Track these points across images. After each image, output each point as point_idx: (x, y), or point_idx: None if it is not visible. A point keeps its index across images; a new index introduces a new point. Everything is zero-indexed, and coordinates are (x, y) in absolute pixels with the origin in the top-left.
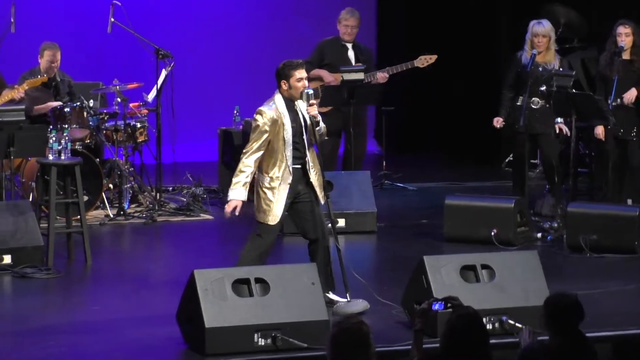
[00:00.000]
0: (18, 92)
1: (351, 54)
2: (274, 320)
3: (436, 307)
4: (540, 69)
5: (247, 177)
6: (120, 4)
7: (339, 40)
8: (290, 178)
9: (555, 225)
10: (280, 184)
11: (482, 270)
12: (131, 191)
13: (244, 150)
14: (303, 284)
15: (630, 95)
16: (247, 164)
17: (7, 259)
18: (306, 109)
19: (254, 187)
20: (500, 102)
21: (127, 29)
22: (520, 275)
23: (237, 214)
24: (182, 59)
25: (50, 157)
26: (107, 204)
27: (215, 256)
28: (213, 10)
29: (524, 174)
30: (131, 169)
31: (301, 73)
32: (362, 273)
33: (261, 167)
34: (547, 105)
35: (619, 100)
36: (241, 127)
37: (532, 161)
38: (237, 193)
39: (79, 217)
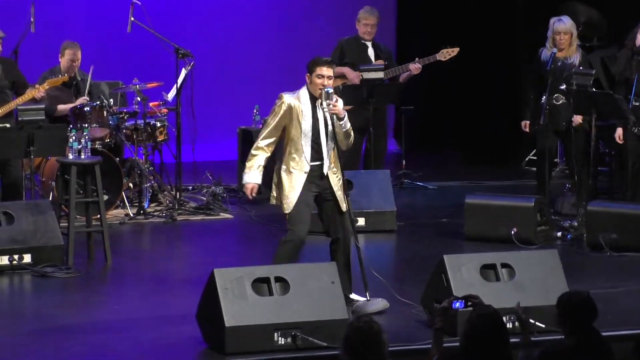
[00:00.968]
0: (39, 91)
1: (371, 52)
2: (294, 319)
3: (456, 305)
4: (560, 63)
5: (259, 160)
6: (140, 3)
7: (358, 39)
8: (308, 168)
9: (576, 224)
10: (296, 172)
11: (502, 269)
12: (151, 190)
13: (259, 134)
14: (323, 282)
15: None
16: (260, 146)
17: (27, 258)
18: (327, 108)
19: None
20: (524, 102)
21: (147, 28)
22: (540, 274)
23: (254, 194)
24: (202, 58)
25: (70, 156)
26: (127, 203)
27: (235, 255)
28: (233, 9)
29: (547, 172)
30: (151, 168)
31: (322, 70)
32: (382, 272)
33: (279, 156)
34: (568, 103)
35: (639, 99)
36: (261, 126)
37: (553, 160)
38: (251, 176)
39: (98, 216)
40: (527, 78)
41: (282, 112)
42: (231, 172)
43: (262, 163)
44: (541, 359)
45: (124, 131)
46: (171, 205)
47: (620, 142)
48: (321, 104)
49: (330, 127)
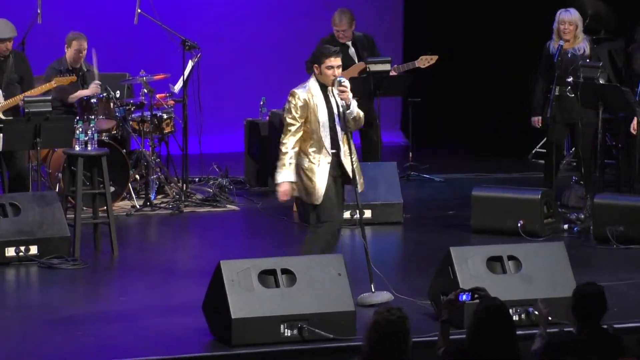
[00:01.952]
0: (51, 86)
1: (352, 51)
2: (300, 311)
3: (463, 298)
4: (569, 55)
5: (290, 158)
6: None
7: (336, 39)
8: (330, 158)
9: (582, 216)
10: (319, 164)
11: (509, 261)
12: (157, 182)
13: (282, 135)
14: (329, 274)
15: None
16: (288, 146)
17: (34, 249)
18: (337, 94)
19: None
20: (534, 96)
21: (153, 20)
22: (547, 267)
23: (288, 197)
24: (209, 50)
25: (77, 148)
26: (133, 195)
27: (242, 247)
28: (239, 1)
29: (554, 163)
30: (157, 160)
31: (331, 61)
32: (388, 264)
33: (300, 150)
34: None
35: None
36: (267, 118)
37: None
38: (284, 175)
39: (105, 207)
40: (539, 69)
41: (299, 107)
42: (238, 164)
43: (293, 161)
44: (550, 349)
45: (131, 123)
46: (178, 197)
47: (634, 132)
48: (332, 92)
49: (341, 109)
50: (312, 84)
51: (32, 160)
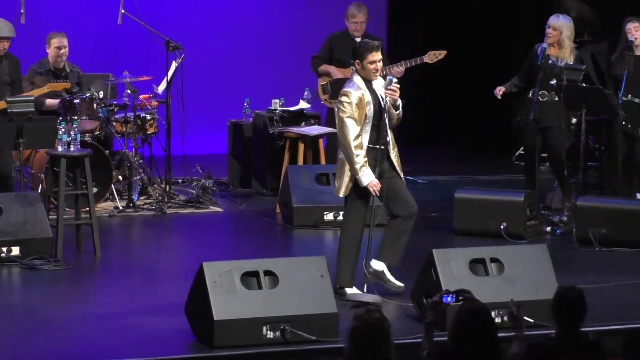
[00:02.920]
0: (42, 92)
1: None
2: (283, 313)
3: (447, 299)
4: (551, 61)
5: (362, 157)
6: None
7: (347, 35)
8: (365, 152)
9: (565, 218)
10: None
11: (491, 263)
12: (140, 183)
13: (343, 134)
14: (312, 276)
15: None
16: (355, 145)
17: (16, 250)
18: (386, 93)
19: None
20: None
21: (137, 21)
22: (529, 269)
23: (379, 192)
24: (193, 51)
25: (60, 148)
26: (116, 196)
27: (225, 248)
28: (224, 1)
29: (535, 167)
30: (140, 161)
31: (374, 56)
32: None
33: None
34: (557, 99)
35: (629, 95)
36: (251, 119)
37: (542, 155)
38: (369, 174)
39: (88, 208)
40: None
41: (355, 106)
42: (221, 165)
43: (361, 153)
44: (530, 352)
45: (114, 124)
46: (160, 198)
47: None
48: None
49: (388, 103)
50: (358, 80)
51: (14, 161)
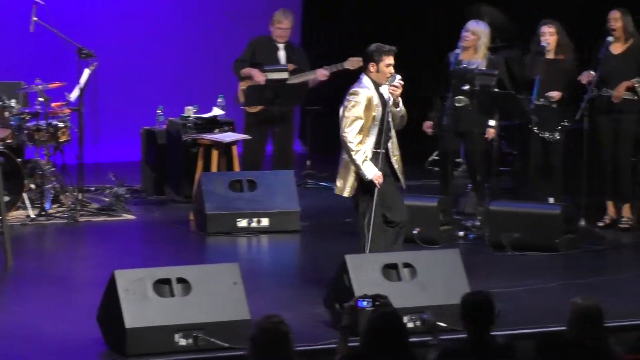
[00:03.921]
0: None
1: (282, 54)
2: (196, 320)
3: (363, 304)
4: (463, 66)
5: (364, 153)
6: (43, 2)
7: (271, 40)
8: (371, 155)
9: (478, 223)
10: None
11: (404, 268)
12: (53, 191)
13: (345, 132)
14: (225, 283)
15: (555, 94)
16: (356, 142)
17: None
18: (389, 90)
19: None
20: (433, 104)
21: (49, 28)
22: (442, 274)
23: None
24: (106, 58)
25: None
26: (28, 205)
27: (138, 256)
28: (137, 9)
29: (449, 172)
30: (53, 169)
31: (391, 59)
32: (286, 272)
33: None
34: (471, 104)
35: (541, 99)
36: (164, 126)
37: (456, 160)
38: (371, 167)
39: None
40: (437, 80)
41: (362, 105)
42: (134, 172)
43: (368, 155)
44: (443, 358)
45: (26, 132)
46: (73, 206)
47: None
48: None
49: (390, 105)
50: (368, 82)
51: None
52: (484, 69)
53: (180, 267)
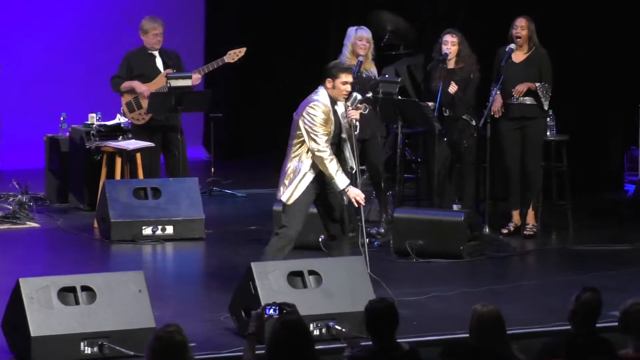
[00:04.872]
0: None
1: (159, 61)
2: (101, 328)
3: (270, 312)
4: (364, 75)
5: (337, 162)
6: None
7: (145, 50)
8: (318, 170)
9: (382, 230)
10: (307, 172)
11: (310, 276)
12: None
13: (314, 145)
14: (130, 291)
15: (453, 87)
16: (328, 152)
17: None
18: (349, 110)
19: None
20: None
21: None
22: (347, 281)
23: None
24: (8, 65)
25: None
26: None
27: (42, 264)
28: (39, 14)
29: (356, 180)
30: None
31: (348, 77)
32: (191, 279)
33: (295, 152)
34: (374, 111)
35: (444, 108)
36: (68, 134)
37: (360, 167)
38: (344, 179)
39: None
40: None
41: (324, 115)
42: (38, 180)
43: (337, 164)
44: None
45: None
46: None
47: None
48: (347, 107)
49: (345, 123)
50: (324, 96)
51: None
52: (387, 76)
53: (85, 275)
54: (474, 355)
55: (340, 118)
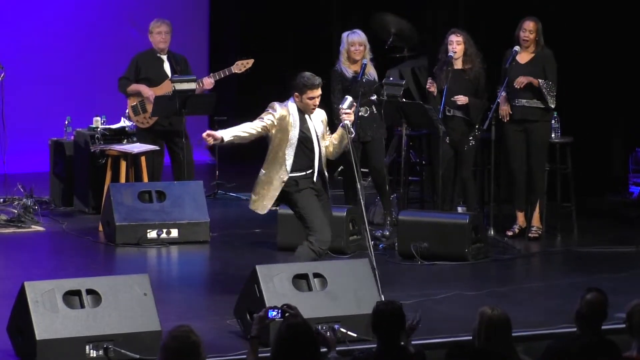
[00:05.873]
0: None
1: (167, 65)
2: (106, 331)
3: (272, 315)
4: (365, 79)
5: (239, 130)
6: None
7: (153, 53)
8: (286, 177)
9: (387, 233)
10: (274, 181)
11: (315, 278)
12: None
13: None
14: (135, 294)
15: (462, 98)
16: (246, 124)
17: None
18: (342, 114)
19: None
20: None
21: None
22: (352, 284)
23: (208, 142)
24: (13, 68)
25: None
26: None
27: (47, 268)
28: (45, 19)
29: (355, 182)
30: None
31: (314, 93)
32: (196, 283)
33: (264, 163)
34: (376, 113)
35: (451, 110)
36: (73, 137)
37: (363, 169)
38: (222, 131)
39: None
40: (334, 94)
41: (273, 118)
42: (43, 184)
43: (237, 134)
44: None
45: None
46: None
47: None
48: (340, 110)
49: (320, 134)
50: (292, 107)
51: None
52: (391, 78)
53: (90, 278)
54: (480, 358)
55: (314, 128)
